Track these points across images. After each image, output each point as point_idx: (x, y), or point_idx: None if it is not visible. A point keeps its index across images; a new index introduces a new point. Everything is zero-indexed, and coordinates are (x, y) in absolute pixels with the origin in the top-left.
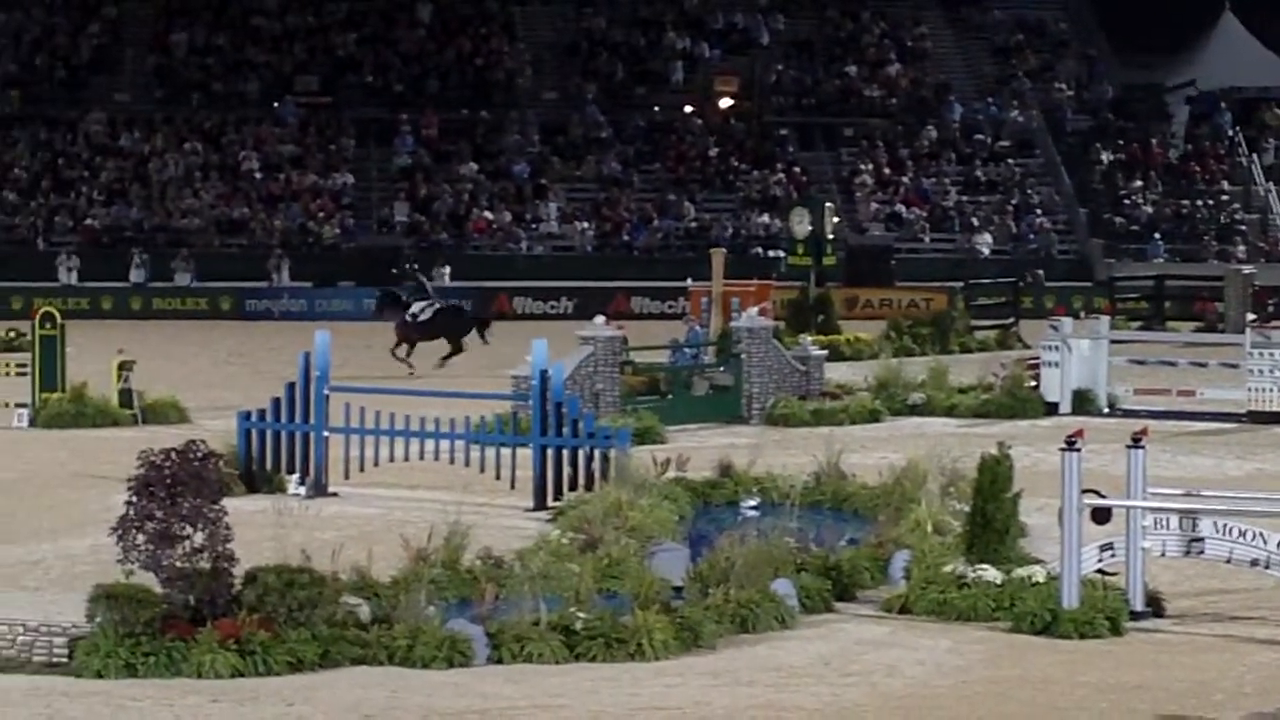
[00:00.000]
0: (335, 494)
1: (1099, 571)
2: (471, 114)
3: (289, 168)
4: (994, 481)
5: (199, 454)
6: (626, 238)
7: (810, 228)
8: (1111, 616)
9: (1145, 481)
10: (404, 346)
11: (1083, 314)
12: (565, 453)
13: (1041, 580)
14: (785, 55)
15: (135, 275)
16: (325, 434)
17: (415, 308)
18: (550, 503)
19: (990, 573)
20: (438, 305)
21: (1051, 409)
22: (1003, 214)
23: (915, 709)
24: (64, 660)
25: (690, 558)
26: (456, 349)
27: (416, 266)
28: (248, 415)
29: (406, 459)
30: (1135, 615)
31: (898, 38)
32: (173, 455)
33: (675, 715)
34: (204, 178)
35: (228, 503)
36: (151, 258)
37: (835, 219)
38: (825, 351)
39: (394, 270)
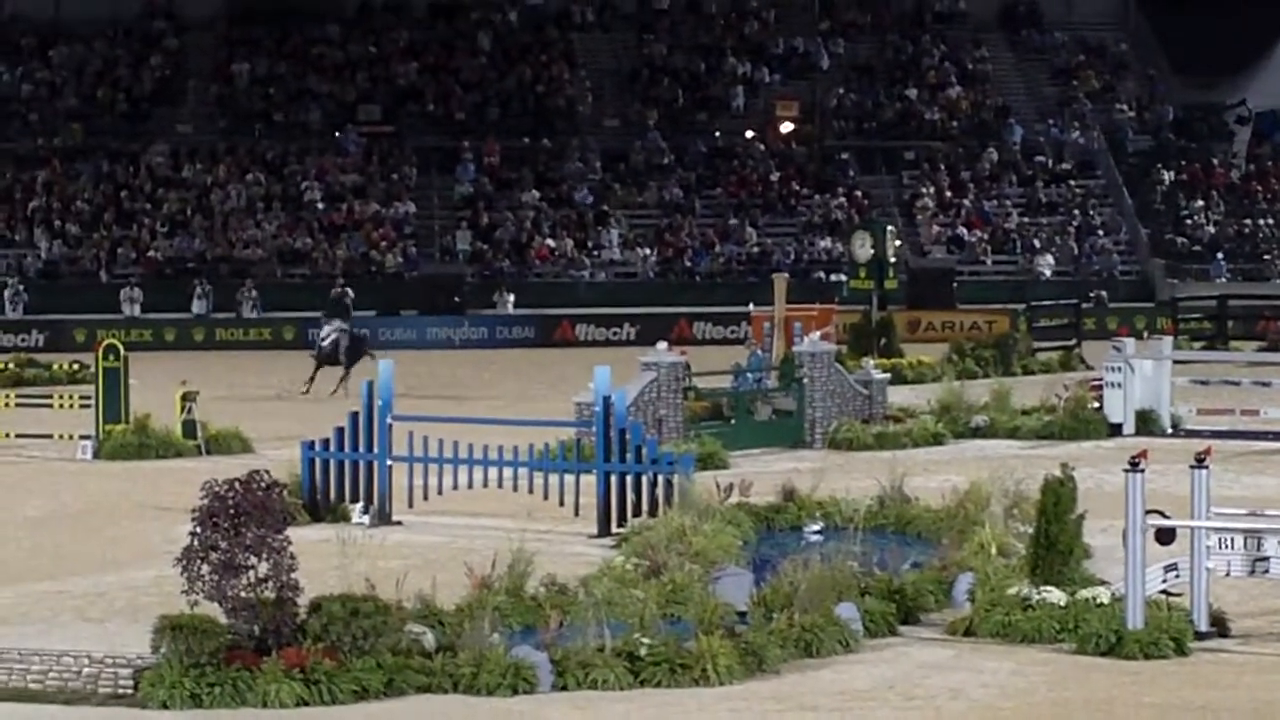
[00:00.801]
0: (399, 522)
1: (1163, 592)
2: (533, 142)
3: (351, 197)
4: (1057, 503)
5: (263, 484)
6: (688, 263)
7: (872, 251)
8: (1176, 637)
9: (1209, 501)
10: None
11: (1145, 334)
12: (628, 479)
13: (1106, 601)
14: (845, 79)
15: (198, 306)
16: (389, 463)
17: (323, 331)
18: (614, 529)
19: (1055, 594)
20: (342, 332)
21: (1115, 430)
22: (1064, 235)
23: None
24: (129, 692)
25: (754, 582)
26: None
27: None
28: (311, 445)
29: (470, 487)
30: (1200, 635)
31: (958, 60)
32: (236, 485)
33: None
34: (266, 208)
35: (292, 532)
36: (214, 289)
37: (897, 242)
38: (888, 375)
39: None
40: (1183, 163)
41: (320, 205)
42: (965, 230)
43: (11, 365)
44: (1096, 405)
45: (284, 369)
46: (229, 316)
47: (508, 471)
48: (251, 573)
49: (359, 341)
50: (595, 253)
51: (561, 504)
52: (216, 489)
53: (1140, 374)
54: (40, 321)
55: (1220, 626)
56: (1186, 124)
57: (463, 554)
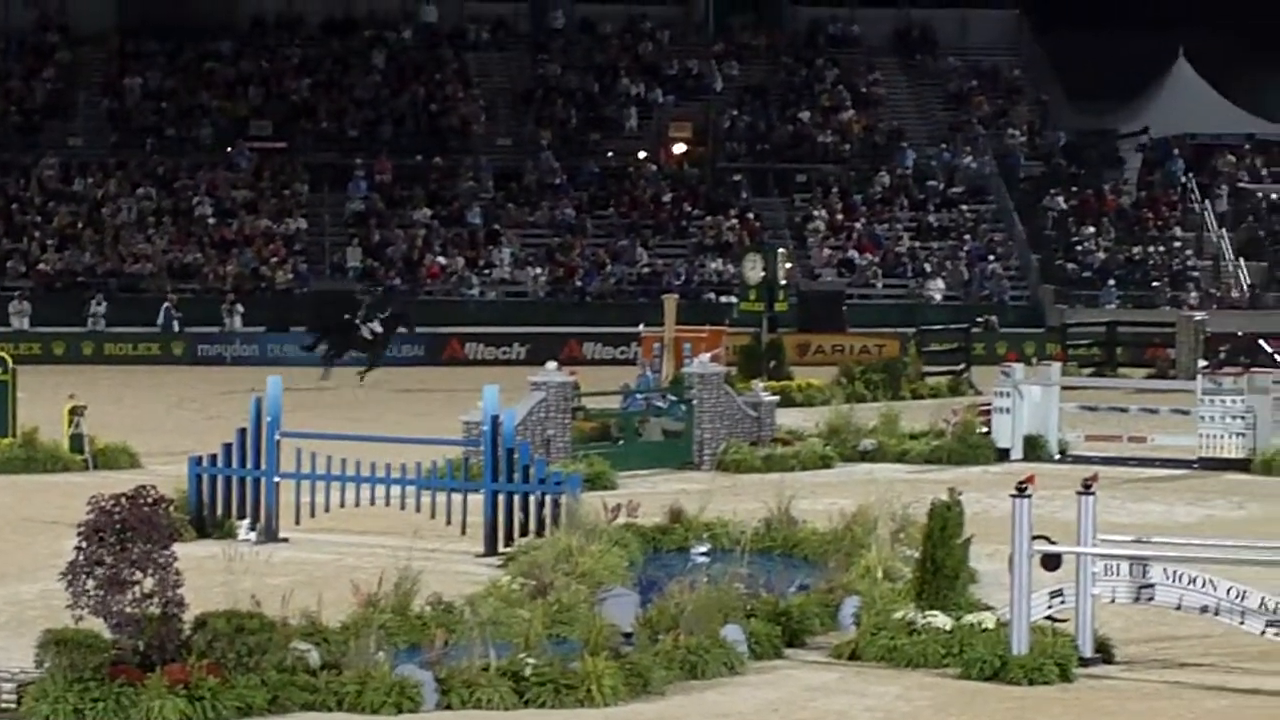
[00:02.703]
0: (286, 539)
1: (1049, 618)
2: (425, 159)
3: (242, 213)
4: (944, 528)
5: (149, 499)
6: (579, 283)
7: (763, 273)
8: (1061, 663)
9: (1095, 528)
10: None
11: (1034, 360)
12: (516, 498)
13: (991, 627)
14: (739, 101)
15: (93, 321)
16: (276, 479)
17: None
18: (501, 548)
19: (940, 619)
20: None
21: (1003, 455)
22: (955, 260)
23: None
24: (12, 707)
25: (640, 603)
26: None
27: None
28: (199, 460)
29: (358, 504)
30: (1085, 661)
31: (851, 84)
32: (123, 500)
33: None
34: (157, 222)
35: (178, 548)
36: (110, 303)
37: (788, 265)
38: (777, 397)
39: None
40: (1074, 189)
41: (211, 220)
42: (856, 254)
43: None
44: (985, 430)
45: (174, 384)
46: (119, 330)
47: (395, 489)
48: (137, 588)
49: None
50: (486, 271)
51: (448, 523)
52: (103, 504)
53: (1029, 399)
54: None
55: (1105, 653)
56: (1078, 150)
57: (349, 571)
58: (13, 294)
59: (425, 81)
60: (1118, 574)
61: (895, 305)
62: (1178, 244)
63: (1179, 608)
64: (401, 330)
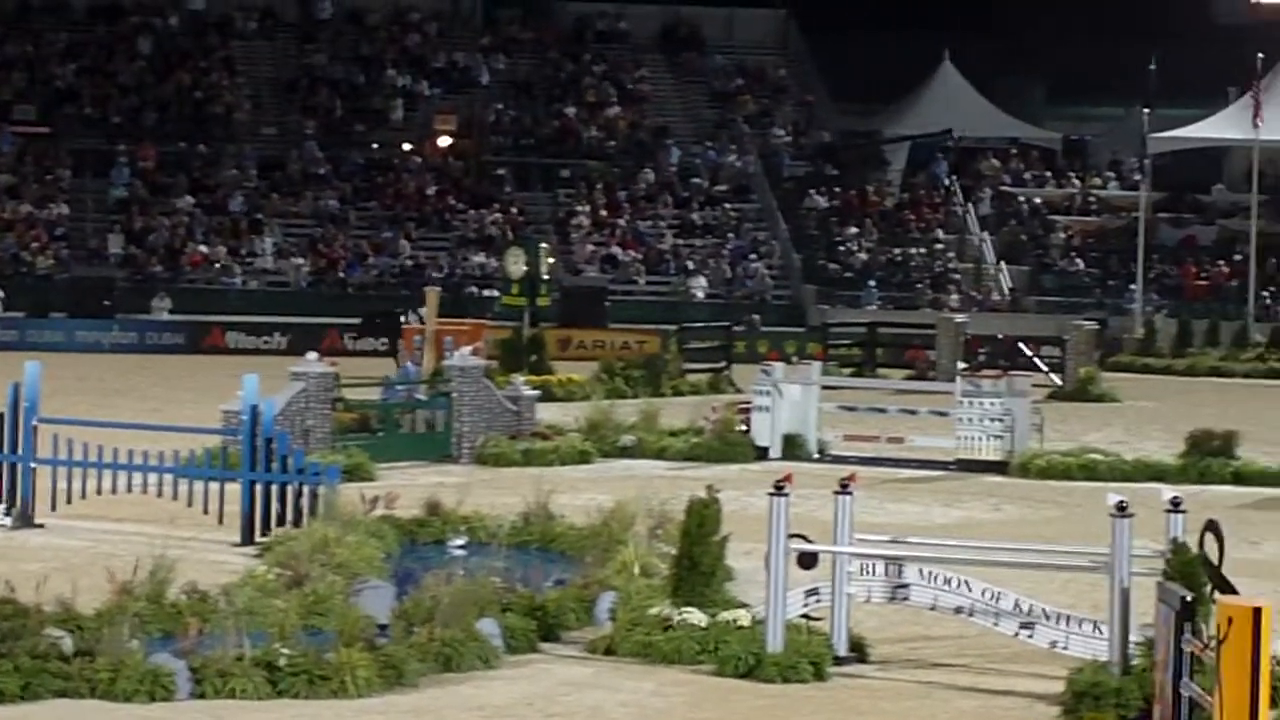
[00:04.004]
0: (42, 525)
1: (804, 616)
2: (189, 147)
3: (4, 197)
4: (701, 525)
5: None
6: (342, 274)
7: (525, 268)
8: (815, 661)
9: (852, 527)
10: None
11: (795, 359)
12: (274, 488)
13: (747, 624)
14: (505, 95)
15: None
16: (33, 465)
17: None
18: (258, 538)
19: (696, 615)
20: None
21: (762, 453)
22: (718, 258)
23: None
24: None
25: (396, 596)
26: None
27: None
28: None
29: (115, 492)
30: (839, 660)
31: (617, 80)
32: None
33: None
34: None
35: None
36: None
37: (551, 260)
38: (537, 392)
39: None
40: (838, 189)
41: None
42: (619, 250)
43: None
44: (744, 428)
45: None
46: None
47: (153, 477)
48: None
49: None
50: (248, 260)
51: (206, 511)
52: None
53: (788, 398)
54: None
55: (859, 652)
56: (842, 151)
57: (105, 559)
58: None
59: (191, 69)
60: (873, 574)
61: (657, 302)
62: (940, 246)
63: (934, 608)
64: None
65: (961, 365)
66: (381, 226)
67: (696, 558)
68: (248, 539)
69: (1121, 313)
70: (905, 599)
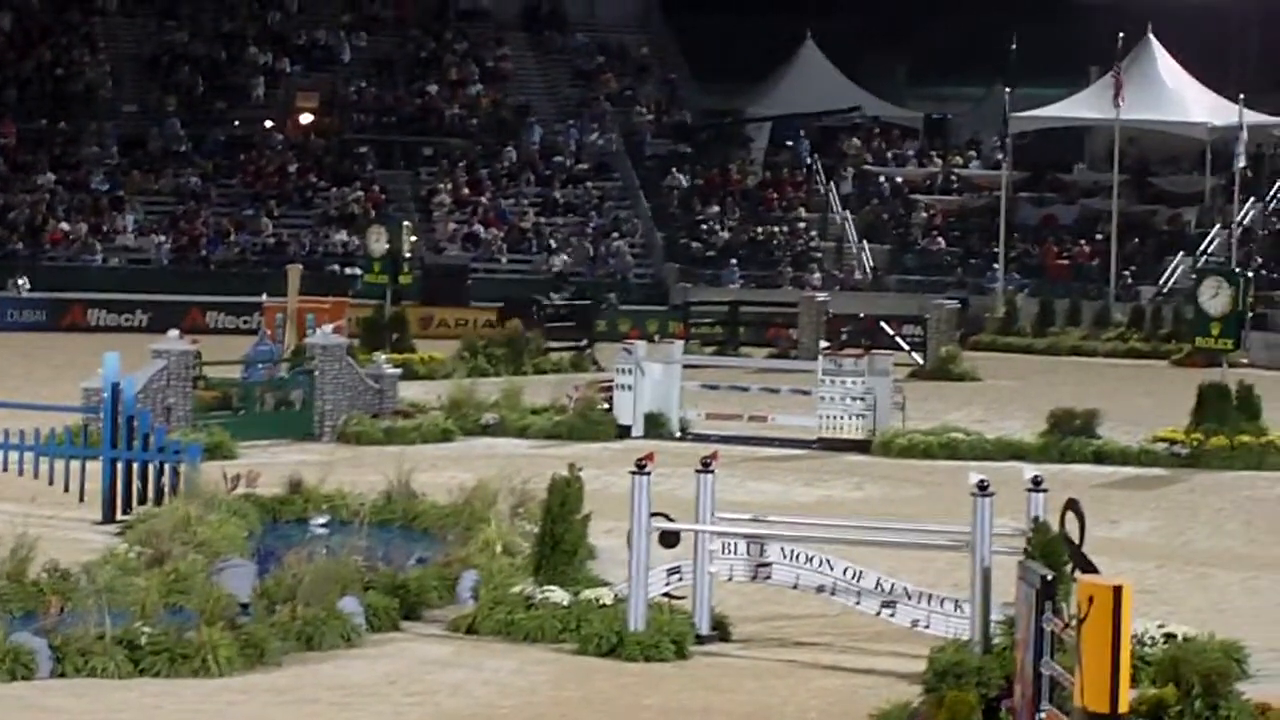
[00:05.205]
0: None
1: (666, 595)
2: (50, 124)
3: None
4: (564, 503)
5: None
6: (203, 252)
7: (387, 246)
8: (677, 640)
9: (714, 506)
10: None
11: (657, 338)
12: (135, 466)
13: (609, 602)
14: (366, 73)
15: None
16: None
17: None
18: (119, 516)
19: (558, 594)
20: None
21: (624, 432)
22: (580, 236)
23: None
24: None
25: (257, 574)
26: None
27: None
28: None
29: None
30: (701, 639)
31: (479, 58)
32: None
33: None
34: None
35: None
36: None
37: (413, 238)
38: (399, 370)
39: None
40: (700, 167)
41: None
42: (482, 228)
43: None
44: (606, 407)
45: None
46: None
47: (13, 456)
48: None
49: None
50: (110, 238)
51: (66, 490)
52: None
53: (650, 377)
54: None
55: (721, 630)
56: (705, 129)
57: None
58: None
59: (51, 45)
60: (735, 552)
61: (520, 280)
62: (802, 225)
63: (796, 587)
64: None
65: (823, 344)
66: (243, 204)
67: (559, 536)
68: (109, 517)
69: (983, 292)
70: (767, 578)
